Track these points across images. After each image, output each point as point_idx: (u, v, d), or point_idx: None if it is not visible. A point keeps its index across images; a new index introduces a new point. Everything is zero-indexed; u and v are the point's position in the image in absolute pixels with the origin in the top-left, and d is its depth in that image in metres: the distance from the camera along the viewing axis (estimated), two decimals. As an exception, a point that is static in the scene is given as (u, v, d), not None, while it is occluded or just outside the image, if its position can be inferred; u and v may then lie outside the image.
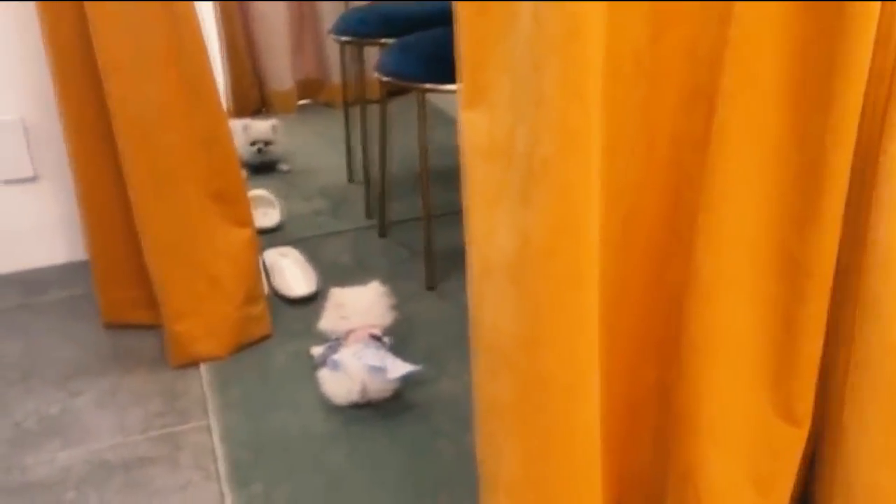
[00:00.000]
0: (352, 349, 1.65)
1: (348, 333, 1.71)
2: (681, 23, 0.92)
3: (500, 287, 0.95)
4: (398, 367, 1.62)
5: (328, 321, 1.77)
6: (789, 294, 1.04)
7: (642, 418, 1.19)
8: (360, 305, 1.76)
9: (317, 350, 1.77)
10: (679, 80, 0.98)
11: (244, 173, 2.66)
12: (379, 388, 1.63)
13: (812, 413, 1.12)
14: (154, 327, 1.87)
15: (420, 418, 1.60)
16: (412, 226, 2.34)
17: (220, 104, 1.66)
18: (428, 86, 1.88)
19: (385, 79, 1.96)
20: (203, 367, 1.79)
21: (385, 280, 1.92)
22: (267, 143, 2.75)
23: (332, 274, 2.12)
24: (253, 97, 3.38)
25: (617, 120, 0.94)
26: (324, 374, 1.67)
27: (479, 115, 0.92)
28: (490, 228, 0.94)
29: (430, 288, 2.06)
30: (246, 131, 2.73)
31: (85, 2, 1.52)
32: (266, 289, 2.01)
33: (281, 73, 3.37)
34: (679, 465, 1.14)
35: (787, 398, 1.12)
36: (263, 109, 3.45)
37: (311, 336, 1.84)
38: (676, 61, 0.97)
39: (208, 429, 1.61)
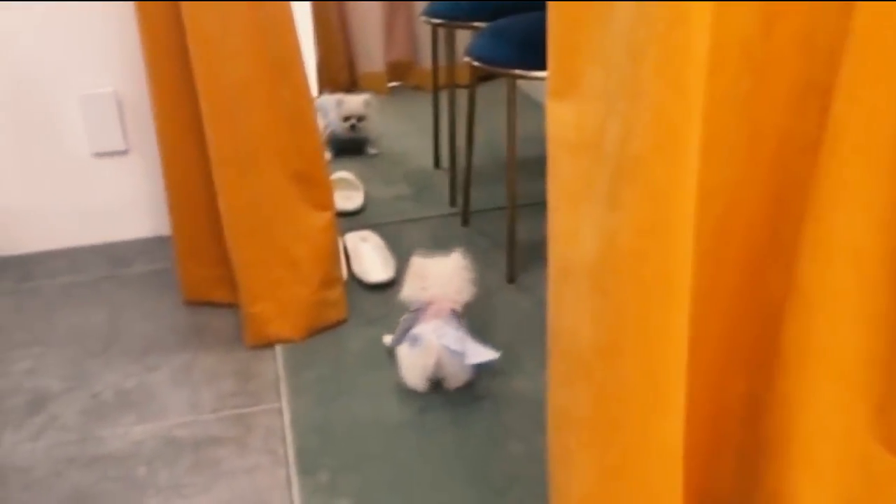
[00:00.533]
0: (432, 325, 1.60)
1: (428, 305, 1.66)
2: (797, 11, 0.84)
3: (581, 290, 0.88)
4: (477, 353, 1.57)
5: (409, 290, 1.72)
6: (900, 312, 0.95)
7: (727, 435, 1.11)
8: (441, 276, 1.72)
9: (388, 339, 1.74)
10: (791, 73, 0.90)
11: (330, 152, 2.67)
12: (455, 372, 1.59)
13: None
14: (232, 306, 1.87)
15: (493, 414, 1.55)
16: (496, 215, 2.29)
17: (306, 83, 1.64)
18: (518, 72, 1.82)
19: (475, 63, 1.91)
20: (278, 349, 1.78)
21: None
22: (360, 119, 2.73)
23: (412, 261, 2.09)
24: (343, 78, 3.37)
25: (717, 114, 0.87)
26: (402, 351, 1.63)
27: (568, 105, 0.85)
28: (573, 228, 0.88)
29: (511, 280, 2.01)
30: (340, 106, 2.72)
31: (176, -22, 1.51)
32: (345, 273, 2.00)
33: (372, 53, 3.35)
34: (766, 489, 1.06)
35: (891, 425, 1.02)
36: (354, 91, 3.43)
37: (388, 322, 1.81)
38: (789, 53, 0.89)
39: (280, 412, 1.60)
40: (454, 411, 1.57)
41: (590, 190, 0.85)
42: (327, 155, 2.67)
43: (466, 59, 1.94)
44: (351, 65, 3.40)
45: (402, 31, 3.40)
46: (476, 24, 2.17)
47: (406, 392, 1.62)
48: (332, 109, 2.73)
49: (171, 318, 1.91)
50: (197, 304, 1.94)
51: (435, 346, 1.56)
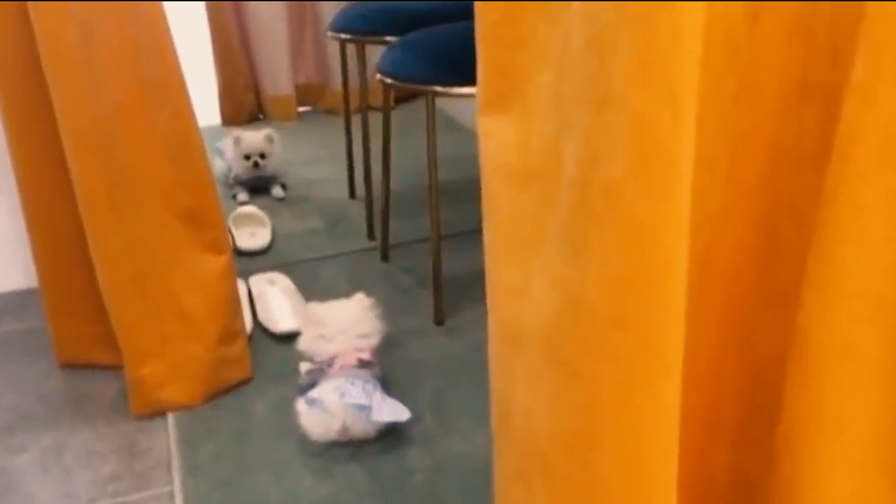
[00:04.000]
0: (334, 383, 1.42)
1: (333, 358, 1.49)
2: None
3: (534, 363, 0.67)
4: (384, 411, 1.39)
5: (306, 341, 1.55)
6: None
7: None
8: (342, 321, 1.54)
9: (304, 367, 1.55)
10: (782, 71, 0.71)
11: (244, 194, 2.40)
12: (362, 429, 1.40)
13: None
14: (116, 369, 1.60)
15: (426, 489, 1.32)
16: (419, 248, 2.07)
17: (188, 108, 1.39)
18: (437, 88, 1.61)
19: (388, 80, 1.69)
20: (170, 419, 1.51)
21: (387, 312, 1.65)
22: (262, 156, 2.41)
23: (326, 304, 1.85)
24: (248, 103, 3.11)
25: (698, 126, 0.67)
26: (301, 408, 1.44)
27: (507, 121, 0.64)
28: (520, 281, 0.66)
29: (439, 322, 1.78)
30: (238, 144, 2.40)
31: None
32: (249, 323, 1.75)
33: (279, 76, 3.10)
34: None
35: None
36: (260, 116, 3.18)
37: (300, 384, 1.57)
38: (780, 47, 0.70)
39: (171, 498, 1.34)
40: (380, 488, 1.33)
41: (541, 232, 0.63)
42: (242, 196, 2.42)
43: (378, 76, 1.72)
44: (256, 89, 3.15)
45: (310, 50, 3.16)
46: (389, 38, 1.96)
47: (323, 465, 1.38)
48: (230, 148, 2.42)
49: (42, 385, 1.63)
50: (74, 367, 1.66)
51: (338, 406, 1.38)
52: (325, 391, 1.40)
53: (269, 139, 2.41)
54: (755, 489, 0.83)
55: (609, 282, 0.59)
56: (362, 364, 1.47)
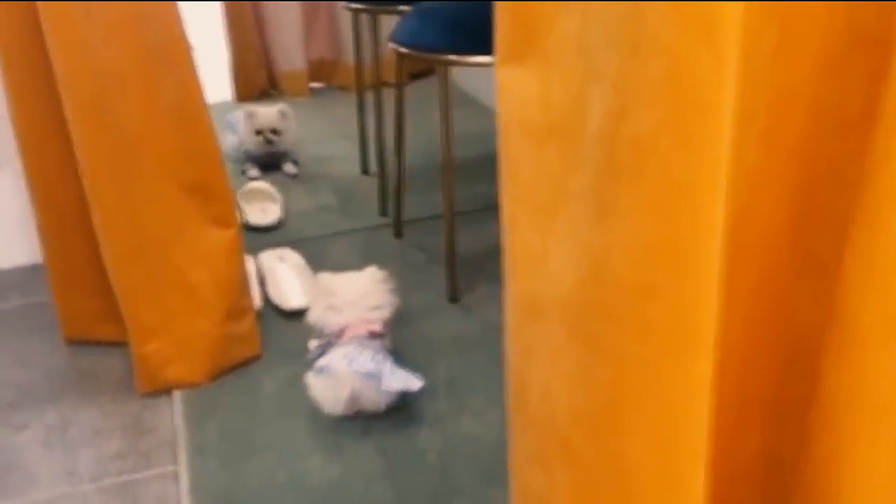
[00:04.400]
0: (343, 350, 1.38)
1: (342, 330, 1.44)
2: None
3: (554, 336, 0.62)
4: (395, 379, 1.34)
5: (316, 313, 1.51)
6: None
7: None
8: (353, 293, 1.50)
9: (313, 343, 1.51)
10: (827, 21, 0.65)
11: (255, 170, 2.36)
12: (372, 399, 1.36)
13: None
14: (122, 345, 1.56)
15: (436, 468, 1.28)
16: (432, 225, 2.02)
17: (194, 76, 1.34)
18: (452, 57, 1.55)
19: (401, 50, 1.64)
20: (176, 397, 1.48)
21: (400, 289, 1.61)
22: (275, 132, 2.36)
23: (337, 282, 1.81)
24: (259, 79, 3.07)
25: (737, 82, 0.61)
26: (310, 380, 1.40)
27: (528, 73, 0.59)
28: (540, 249, 0.61)
29: (453, 300, 1.74)
30: (250, 119, 2.34)
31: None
32: (258, 300, 1.71)
33: (291, 52, 3.05)
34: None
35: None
36: (272, 92, 3.13)
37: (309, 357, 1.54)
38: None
39: (175, 477, 1.30)
40: (390, 466, 1.29)
41: (563, 193, 0.58)
42: (253, 172, 2.37)
43: (391, 45, 1.67)
44: (268, 65, 3.10)
45: (324, 25, 3.11)
46: (403, 7, 1.90)
47: (332, 444, 1.34)
48: (243, 123, 2.36)
49: (47, 361, 1.59)
50: (80, 343, 1.63)
51: (347, 374, 1.33)
52: (334, 358, 1.36)
53: (283, 115, 2.36)
54: (788, 472, 0.78)
55: (637, 246, 0.53)
56: (373, 335, 1.43)
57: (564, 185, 0.58)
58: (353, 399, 1.34)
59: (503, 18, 0.58)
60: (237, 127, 2.41)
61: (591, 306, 0.57)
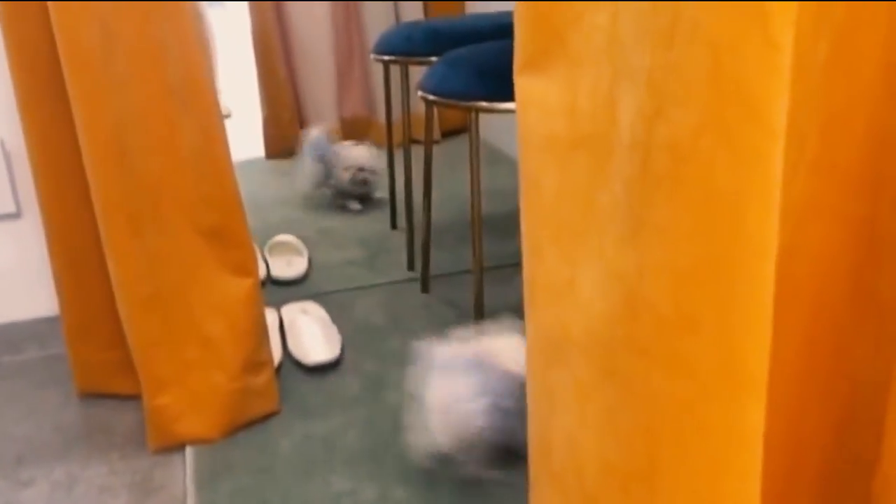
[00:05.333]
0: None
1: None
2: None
3: (581, 380, 0.55)
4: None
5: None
6: None
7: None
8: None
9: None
10: (887, 33, 0.59)
11: (356, 205, 2.42)
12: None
13: None
14: (136, 398, 1.50)
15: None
16: (461, 280, 1.95)
17: (216, 116, 1.31)
18: (482, 104, 1.51)
19: (429, 98, 1.60)
20: (188, 453, 1.41)
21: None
22: (367, 171, 2.43)
23: (361, 336, 1.74)
24: (292, 136, 3.05)
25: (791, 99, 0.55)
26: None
27: (552, 80, 0.53)
28: (567, 276, 0.54)
29: (481, 357, 1.66)
30: (344, 158, 2.42)
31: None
32: (279, 353, 1.64)
33: (324, 108, 3.05)
34: None
35: None
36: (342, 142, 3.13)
37: (329, 414, 1.47)
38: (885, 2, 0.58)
39: (183, 539, 1.23)
40: (409, 532, 1.20)
41: (591, 213, 0.51)
42: (355, 206, 2.45)
43: (420, 94, 1.63)
44: (301, 122, 3.09)
45: (357, 83, 3.11)
46: (433, 58, 1.87)
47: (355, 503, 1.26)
48: (328, 158, 2.44)
49: (58, 415, 1.54)
50: (94, 396, 1.57)
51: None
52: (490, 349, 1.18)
53: (371, 153, 2.44)
54: (866, 475, 0.69)
55: (675, 270, 0.46)
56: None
57: (593, 203, 0.51)
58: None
59: (523, 19, 0.53)
60: (322, 156, 2.44)
61: (622, 341, 0.50)
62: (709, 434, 0.49)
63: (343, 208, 2.47)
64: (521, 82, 0.55)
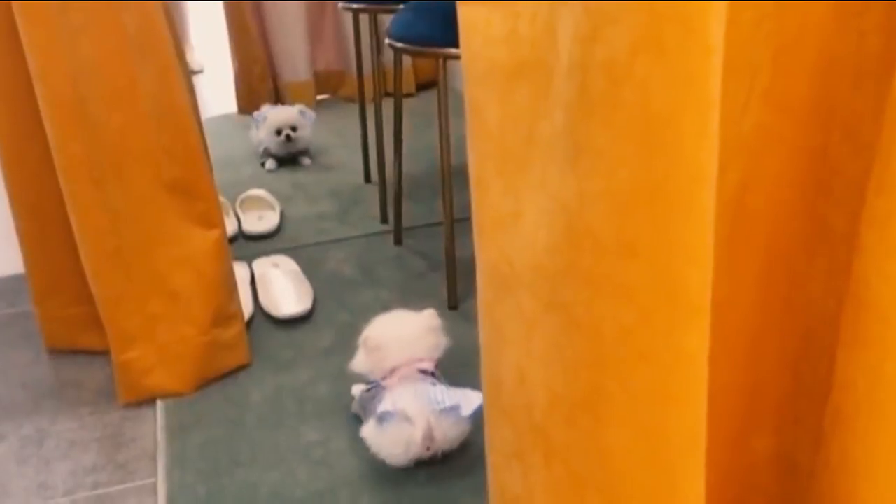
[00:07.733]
0: (404, 390, 1.22)
1: (391, 373, 1.27)
2: None
3: (527, 312, 0.54)
4: (469, 400, 1.19)
5: (360, 365, 1.31)
6: None
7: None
8: (405, 342, 1.31)
9: (357, 389, 1.34)
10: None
11: (272, 163, 2.47)
12: (448, 435, 1.21)
13: None
14: (105, 354, 1.49)
15: (432, 481, 1.20)
16: (432, 232, 1.95)
17: (175, 66, 1.29)
18: (451, 51, 1.49)
19: (397, 45, 1.58)
20: (159, 407, 1.40)
21: (398, 297, 1.52)
22: (294, 129, 2.44)
23: (333, 288, 1.73)
24: (264, 91, 3.01)
25: (733, 29, 0.54)
26: (369, 433, 1.23)
27: (493, 5, 0.52)
28: (511, 209, 0.54)
29: (453, 307, 1.66)
30: (267, 120, 2.44)
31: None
32: (250, 307, 1.64)
33: (297, 63, 3.00)
34: None
35: None
36: (277, 105, 3.08)
37: (300, 366, 1.46)
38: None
39: (154, 490, 1.23)
40: (380, 478, 1.21)
41: (533, 141, 0.51)
42: (270, 164, 2.48)
43: (387, 41, 1.61)
44: (273, 76, 3.05)
45: (330, 36, 3.06)
46: (401, 6, 1.84)
47: (328, 455, 1.26)
48: (260, 124, 2.47)
49: (27, 372, 1.53)
50: (62, 352, 1.56)
51: (418, 411, 1.18)
52: (398, 399, 1.19)
53: (302, 113, 2.45)
54: (802, 475, 0.69)
55: (614, 197, 0.46)
56: (425, 374, 1.27)
57: (535, 132, 0.50)
58: (429, 439, 1.18)
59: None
60: (260, 123, 2.48)
61: (565, 271, 0.50)
62: (651, 360, 0.48)
63: (262, 166, 2.50)
64: (463, 10, 0.54)
